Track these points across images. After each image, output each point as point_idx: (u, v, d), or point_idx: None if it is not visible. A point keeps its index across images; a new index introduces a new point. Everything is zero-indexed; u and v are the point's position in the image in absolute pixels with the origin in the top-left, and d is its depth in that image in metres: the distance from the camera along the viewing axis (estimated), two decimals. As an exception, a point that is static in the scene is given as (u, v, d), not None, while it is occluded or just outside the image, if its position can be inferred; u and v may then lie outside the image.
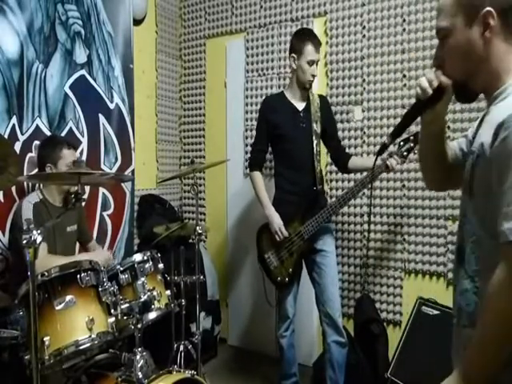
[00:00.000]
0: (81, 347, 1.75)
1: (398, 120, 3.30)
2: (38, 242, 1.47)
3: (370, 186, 2.83)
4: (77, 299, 1.79)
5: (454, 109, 2.70)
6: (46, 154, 2.37)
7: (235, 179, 3.57)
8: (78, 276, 1.83)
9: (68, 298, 1.78)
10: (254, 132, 2.78)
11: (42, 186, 2.44)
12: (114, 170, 3.14)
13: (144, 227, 3.33)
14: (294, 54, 2.56)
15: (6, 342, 1.86)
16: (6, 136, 2.43)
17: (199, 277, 2.55)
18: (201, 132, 3.81)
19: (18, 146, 2.52)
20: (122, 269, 2.07)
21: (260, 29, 3.45)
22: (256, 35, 3.46)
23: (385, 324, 2.89)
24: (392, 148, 2.83)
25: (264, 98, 2.83)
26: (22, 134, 2.56)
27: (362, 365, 2.67)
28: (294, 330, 2.70)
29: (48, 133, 2.68)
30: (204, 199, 3.81)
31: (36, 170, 2.47)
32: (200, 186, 3.76)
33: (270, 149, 2.73)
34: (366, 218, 3.04)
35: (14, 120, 2.51)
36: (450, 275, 2.74)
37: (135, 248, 3.34)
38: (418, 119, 1.20)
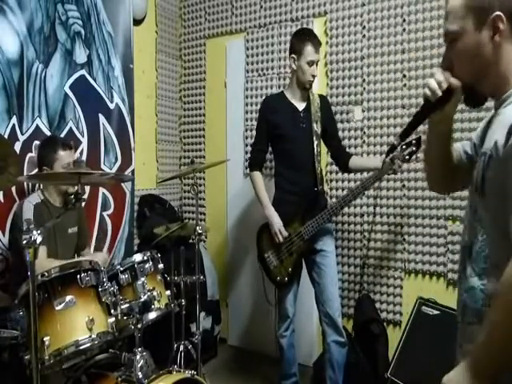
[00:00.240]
0: (81, 347, 1.75)
1: (398, 120, 3.29)
2: (38, 242, 1.47)
3: (373, 187, 2.84)
4: (77, 299, 1.80)
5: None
6: (42, 156, 2.37)
7: (235, 179, 3.57)
8: (78, 276, 1.83)
9: (68, 298, 1.78)
10: (254, 132, 2.78)
11: (42, 186, 2.44)
12: (114, 170, 3.14)
13: (144, 227, 3.33)
14: (293, 55, 2.56)
15: (5, 342, 1.87)
16: (6, 136, 2.43)
17: (199, 277, 2.55)
18: (201, 132, 3.81)
19: (18, 146, 2.52)
20: (122, 269, 2.08)
21: (260, 29, 3.45)
22: (256, 35, 3.46)
23: (385, 324, 2.90)
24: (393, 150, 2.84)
25: (264, 98, 2.83)
26: (22, 134, 2.56)
27: (361, 365, 2.67)
28: (294, 329, 2.70)
29: (48, 133, 2.68)
30: (204, 199, 3.81)
31: (36, 170, 2.47)
32: (200, 185, 3.76)
33: (270, 149, 2.73)
34: (366, 218, 3.04)
35: (14, 120, 2.51)
36: (450, 275, 2.74)
37: (135, 248, 3.34)
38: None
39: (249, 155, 2.87)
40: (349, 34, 3.07)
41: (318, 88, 3.09)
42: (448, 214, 2.75)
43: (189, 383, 1.88)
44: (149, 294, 1.95)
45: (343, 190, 3.09)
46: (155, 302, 2.00)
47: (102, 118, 3.06)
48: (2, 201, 2.47)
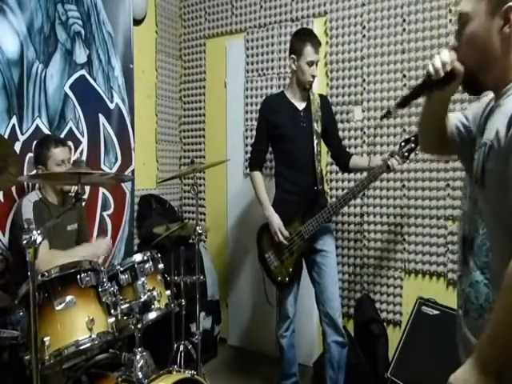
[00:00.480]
0: (81, 347, 1.75)
1: (398, 120, 3.28)
2: (38, 242, 1.47)
3: (373, 187, 2.83)
4: (77, 299, 1.80)
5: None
6: (36, 155, 2.38)
7: (235, 179, 3.57)
8: (78, 276, 1.83)
9: (68, 298, 1.78)
10: (254, 132, 2.78)
11: (39, 185, 2.44)
12: (114, 170, 3.14)
13: (144, 227, 3.33)
14: (293, 55, 2.55)
15: (6, 342, 1.87)
16: (6, 136, 2.43)
17: (199, 277, 2.55)
18: (201, 132, 3.81)
19: (18, 146, 2.52)
20: (122, 269, 2.08)
21: (260, 29, 3.45)
22: (256, 35, 3.46)
23: (385, 324, 2.90)
24: (391, 148, 2.85)
25: (264, 98, 2.83)
26: (22, 134, 2.56)
27: (362, 365, 2.67)
28: (294, 329, 2.70)
29: (48, 133, 2.68)
30: (204, 199, 3.81)
31: (35, 171, 2.47)
32: (200, 185, 3.76)
33: (270, 149, 2.73)
34: (366, 218, 3.04)
35: (14, 120, 2.51)
36: (450, 275, 2.74)
37: (135, 248, 3.34)
38: None
39: (249, 155, 2.87)
40: (349, 34, 3.07)
41: (318, 88, 3.09)
42: (448, 214, 2.75)
43: (189, 383, 1.88)
44: (149, 293, 1.95)
45: (343, 189, 3.08)
46: (155, 302, 2.00)
47: (102, 118, 3.06)
48: (2, 201, 2.47)
